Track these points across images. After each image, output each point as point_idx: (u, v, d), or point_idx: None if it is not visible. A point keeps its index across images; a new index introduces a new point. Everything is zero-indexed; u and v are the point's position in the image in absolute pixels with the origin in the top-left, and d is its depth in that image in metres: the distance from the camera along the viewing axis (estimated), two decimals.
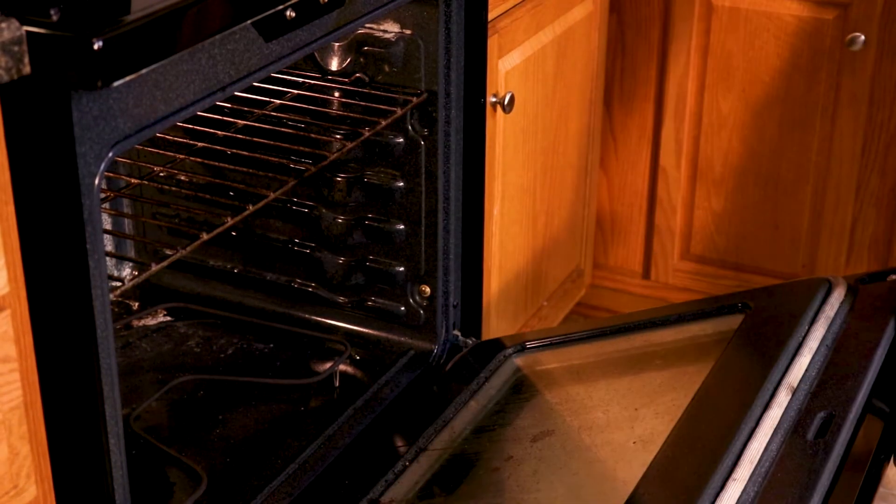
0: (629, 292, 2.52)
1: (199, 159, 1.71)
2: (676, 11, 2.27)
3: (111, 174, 1.66)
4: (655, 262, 2.48)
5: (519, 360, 1.73)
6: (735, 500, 1.20)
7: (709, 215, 2.40)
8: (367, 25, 1.67)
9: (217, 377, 1.72)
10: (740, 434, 1.26)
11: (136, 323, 1.83)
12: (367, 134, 1.64)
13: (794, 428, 1.29)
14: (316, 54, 1.74)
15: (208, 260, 1.92)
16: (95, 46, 1.00)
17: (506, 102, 1.80)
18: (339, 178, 1.80)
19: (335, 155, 1.64)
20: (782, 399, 1.32)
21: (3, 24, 0.98)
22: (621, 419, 1.50)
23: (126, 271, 1.92)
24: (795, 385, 1.35)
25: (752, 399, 1.31)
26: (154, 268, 1.37)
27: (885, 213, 2.27)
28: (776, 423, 1.28)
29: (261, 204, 1.50)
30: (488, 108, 1.77)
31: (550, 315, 2.31)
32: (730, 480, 1.21)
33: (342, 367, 1.74)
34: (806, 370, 1.37)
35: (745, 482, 1.21)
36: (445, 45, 1.64)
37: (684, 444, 1.28)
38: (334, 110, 1.75)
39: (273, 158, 1.64)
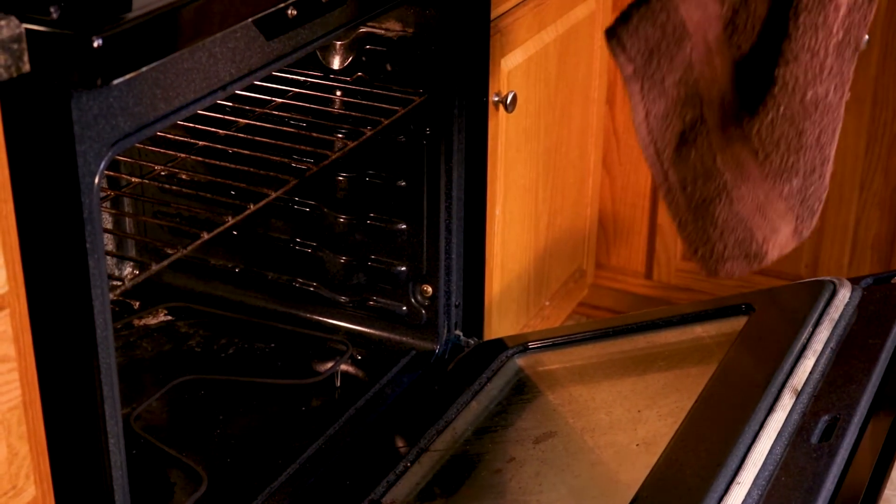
0: (631, 292, 2.52)
1: (199, 158, 1.70)
2: None
3: (111, 173, 1.65)
4: (658, 262, 2.47)
5: (521, 361, 1.72)
6: None
7: None
8: (369, 24, 1.66)
9: (218, 377, 1.72)
10: (744, 437, 1.25)
11: (136, 322, 1.83)
12: (368, 133, 1.64)
13: (798, 431, 1.28)
14: (318, 53, 1.73)
15: (209, 259, 1.91)
16: (95, 44, 1.00)
17: (508, 102, 1.79)
18: (340, 178, 1.79)
19: (337, 154, 1.63)
20: (786, 402, 1.31)
21: (3, 22, 0.97)
22: (624, 421, 1.49)
23: (126, 270, 1.91)
24: (799, 388, 1.34)
25: (756, 402, 1.31)
26: (154, 267, 1.37)
27: (889, 213, 2.26)
28: (780, 426, 1.28)
29: (262, 203, 1.50)
30: (490, 108, 1.76)
31: (552, 315, 2.31)
32: (733, 484, 1.20)
33: (343, 366, 1.74)
34: (810, 373, 1.36)
35: (749, 486, 1.20)
36: (447, 44, 1.63)
37: (688, 447, 1.27)
38: (336, 109, 1.74)
39: (274, 157, 1.63)
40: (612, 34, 1.22)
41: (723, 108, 1.19)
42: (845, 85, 1.17)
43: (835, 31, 1.14)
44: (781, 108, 1.15)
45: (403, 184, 1.74)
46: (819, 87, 1.14)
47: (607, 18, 2.25)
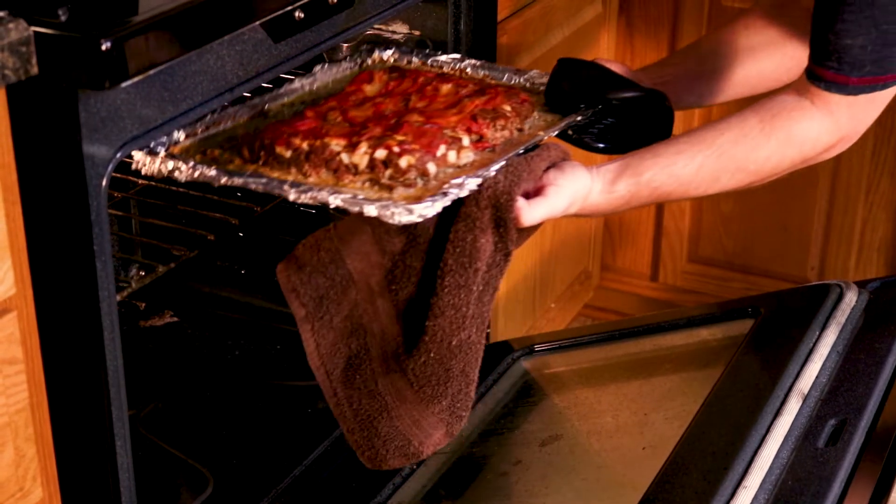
0: (637, 294, 2.52)
1: None
2: (686, 12, 2.26)
3: (118, 174, 1.65)
4: (664, 264, 2.47)
5: (527, 363, 1.72)
6: None
7: (717, 217, 2.39)
8: (376, 26, 1.66)
9: (224, 378, 1.72)
10: (750, 441, 1.25)
11: (143, 324, 1.83)
12: None
13: (804, 435, 1.28)
14: (324, 55, 1.73)
15: (216, 261, 1.91)
16: (103, 47, 1.00)
17: None
18: None
19: None
20: (793, 406, 1.31)
21: (11, 25, 0.97)
22: (630, 424, 1.49)
23: (133, 272, 1.91)
24: (806, 391, 1.34)
25: (763, 405, 1.30)
26: (161, 269, 1.37)
27: (895, 215, 2.26)
28: (787, 429, 1.28)
29: (269, 206, 1.50)
30: None
31: (558, 317, 2.30)
32: (740, 488, 1.20)
33: None
34: (817, 376, 1.36)
35: (756, 490, 1.20)
36: (454, 47, 1.63)
37: (694, 451, 1.27)
38: None
39: None
40: (286, 278, 1.37)
41: (384, 342, 1.35)
42: (485, 323, 1.34)
43: (475, 287, 1.29)
44: (431, 353, 1.31)
45: None
46: (463, 333, 1.30)
47: (614, 21, 2.25)
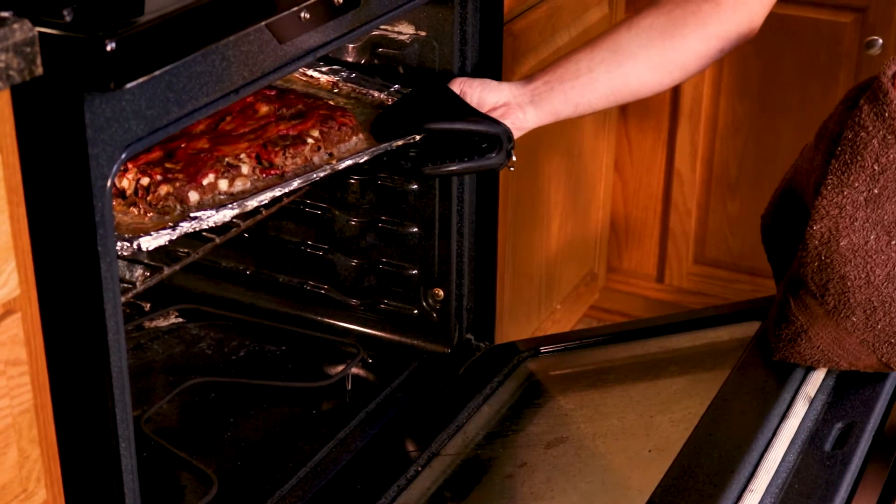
0: (643, 296, 2.51)
1: None
2: None
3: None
4: (670, 266, 2.47)
5: (532, 365, 1.72)
6: None
7: (724, 219, 2.39)
8: (382, 27, 1.66)
9: (229, 379, 1.72)
10: (757, 444, 1.25)
11: (147, 324, 1.83)
12: None
13: (811, 438, 1.27)
14: (330, 56, 1.73)
15: (221, 261, 1.91)
16: (108, 48, 0.99)
17: None
18: (352, 181, 1.79)
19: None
20: (800, 409, 1.31)
21: (16, 25, 0.97)
22: (636, 426, 1.49)
23: (138, 273, 1.91)
24: (813, 395, 1.33)
25: (769, 408, 1.30)
26: (166, 271, 1.37)
27: None
28: (793, 433, 1.27)
29: (274, 208, 1.49)
30: None
31: (563, 318, 2.30)
32: (746, 492, 1.20)
33: (354, 370, 1.74)
34: (823, 379, 1.36)
35: (762, 494, 1.20)
36: (460, 47, 1.63)
37: (700, 454, 1.27)
38: None
39: None
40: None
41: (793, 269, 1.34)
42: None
43: (864, 188, 1.26)
44: (822, 257, 1.29)
45: (415, 187, 1.73)
46: (854, 236, 1.27)
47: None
